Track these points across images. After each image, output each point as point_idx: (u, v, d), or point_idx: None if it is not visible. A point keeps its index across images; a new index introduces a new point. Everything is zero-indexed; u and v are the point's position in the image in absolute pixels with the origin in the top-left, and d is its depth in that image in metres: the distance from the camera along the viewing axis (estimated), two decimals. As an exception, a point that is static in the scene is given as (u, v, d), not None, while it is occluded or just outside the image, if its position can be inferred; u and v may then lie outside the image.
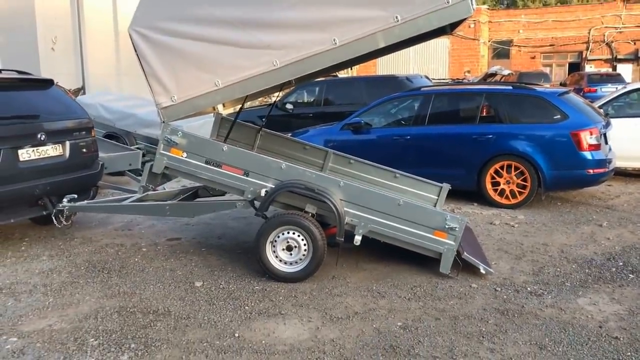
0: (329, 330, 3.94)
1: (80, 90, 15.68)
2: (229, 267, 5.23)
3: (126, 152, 8.76)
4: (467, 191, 7.60)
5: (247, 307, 4.32)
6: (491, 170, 7.30)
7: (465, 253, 4.87)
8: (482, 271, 4.87)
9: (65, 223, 5.78)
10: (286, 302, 4.42)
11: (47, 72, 13.15)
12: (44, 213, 5.97)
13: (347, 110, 11.09)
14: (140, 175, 9.64)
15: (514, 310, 4.22)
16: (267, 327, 3.99)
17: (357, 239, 4.82)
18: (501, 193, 7.31)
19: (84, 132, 6.39)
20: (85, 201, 5.98)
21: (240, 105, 5.85)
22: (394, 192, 5.77)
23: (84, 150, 6.36)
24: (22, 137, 5.68)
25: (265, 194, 4.82)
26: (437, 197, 6.16)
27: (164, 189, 7.76)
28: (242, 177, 4.94)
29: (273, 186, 4.89)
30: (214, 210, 5.34)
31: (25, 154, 5.68)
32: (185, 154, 4.98)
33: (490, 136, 7.31)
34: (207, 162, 4.97)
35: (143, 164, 8.93)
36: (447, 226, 4.75)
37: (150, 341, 3.79)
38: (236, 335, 3.88)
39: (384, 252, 5.30)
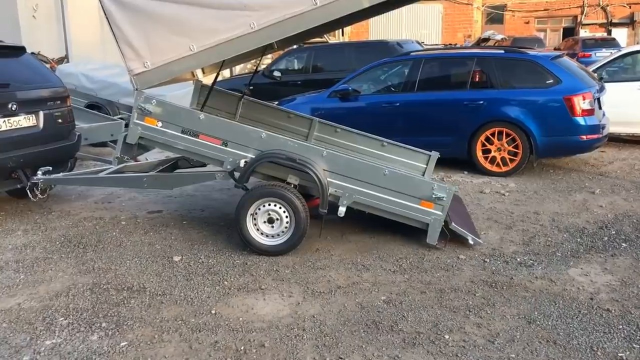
0: (310, 305, 3.78)
1: (64, 59, 15.27)
2: (210, 241, 5.05)
3: (108, 123, 8.50)
4: (458, 159, 7.40)
5: (226, 282, 4.15)
6: (482, 138, 7.10)
7: (453, 223, 4.70)
8: (471, 242, 4.72)
9: (40, 196, 5.56)
10: (267, 276, 4.26)
11: (29, 42, 12.73)
12: (19, 186, 5.76)
13: (337, 77, 10.80)
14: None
15: (503, 282, 4.07)
16: (246, 303, 3.83)
17: (341, 210, 4.64)
18: (492, 161, 7.13)
19: (58, 102, 6.12)
20: (61, 173, 5.75)
21: (217, 71, 5.59)
22: (380, 162, 5.57)
23: (59, 120, 6.11)
24: (-8, 107, 5.42)
25: (244, 165, 4.61)
26: (425, 166, 5.98)
27: (146, 159, 7.54)
28: (221, 147, 4.72)
29: (253, 156, 4.67)
30: (193, 182, 5.15)
31: (-4, 125, 5.43)
32: (160, 123, 4.75)
33: (481, 102, 7.08)
34: (183, 132, 4.74)
35: (126, 134, 8.70)
36: (434, 196, 4.57)
37: (122, 320, 3.62)
38: (213, 312, 3.71)
39: (370, 223, 5.13)
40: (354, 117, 7.49)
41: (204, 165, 5.86)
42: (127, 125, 8.90)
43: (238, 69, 16.53)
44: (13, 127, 5.59)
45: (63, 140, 6.15)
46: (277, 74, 11.79)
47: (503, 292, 3.92)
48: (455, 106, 7.23)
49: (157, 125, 4.75)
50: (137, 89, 4.67)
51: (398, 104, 7.55)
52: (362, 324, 3.51)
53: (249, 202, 4.59)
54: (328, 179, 4.61)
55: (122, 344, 3.33)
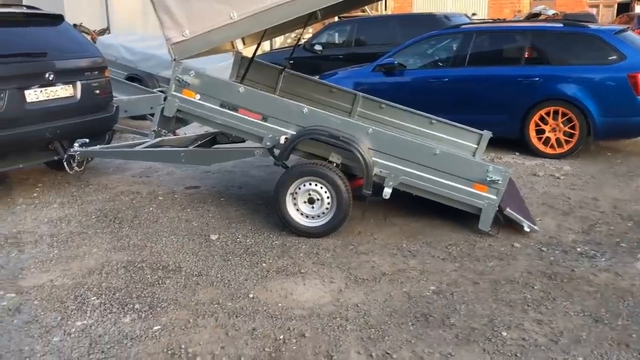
0: (353, 293, 3.54)
1: (105, 30, 15.23)
2: (248, 220, 4.84)
3: (147, 95, 8.35)
4: (509, 139, 6.99)
5: (264, 265, 3.94)
6: (536, 117, 6.68)
7: (508, 208, 4.37)
8: (526, 229, 4.38)
9: (77, 169, 5.46)
10: (307, 259, 4.03)
11: (72, 13, 12.71)
12: (55, 158, 5.65)
13: (380, 51, 10.42)
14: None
15: (563, 275, 3.74)
16: (285, 288, 3.61)
17: (387, 191, 4.36)
18: (546, 142, 6.71)
19: (96, 72, 5.97)
20: (98, 146, 5.61)
21: (258, 42, 5.32)
22: (429, 140, 5.25)
23: (97, 91, 5.96)
24: (29, 76, 5.29)
25: (285, 142, 4.36)
26: (476, 146, 5.63)
27: (185, 133, 7.39)
28: (260, 122, 4.48)
29: (294, 133, 4.42)
30: (231, 159, 4.93)
31: (33, 95, 5.31)
32: (198, 96, 4.53)
33: (537, 79, 6.64)
34: (222, 105, 4.51)
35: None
36: (488, 178, 4.24)
37: (156, 301, 3.45)
38: (250, 296, 3.51)
39: (414, 206, 4.84)
40: (399, 92, 7.15)
41: (243, 141, 5.65)
42: (166, 99, 8.85)
43: (278, 42, 16.24)
44: (50, 97, 5.46)
45: (100, 112, 6.02)
46: (318, 47, 11.44)
47: (564, 286, 3.59)
48: (508, 83, 6.81)
49: (195, 98, 4.53)
50: (174, 59, 4.46)
51: (446, 80, 7.16)
52: (411, 316, 3.25)
53: (288, 181, 4.36)
54: (373, 158, 4.32)
55: (155, 327, 3.15)
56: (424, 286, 3.61)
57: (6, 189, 5.74)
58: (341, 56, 11.16)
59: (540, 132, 6.71)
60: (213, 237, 4.46)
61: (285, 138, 4.37)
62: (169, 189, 5.82)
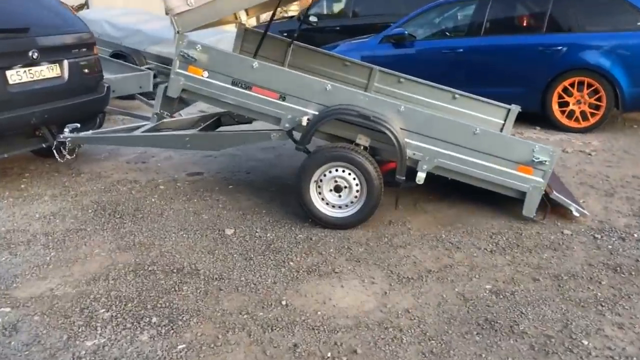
0: (400, 295, 3.11)
1: (84, 6, 14.44)
2: (264, 210, 4.38)
3: (136, 73, 7.77)
4: (529, 113, 6.55)
5: (292, 263, 3.50)
6: (559, 88, 6.26)
7: (554, 192, 3.96)
8: (575, 213, 3.98)
9: (68, 157, 4.95)
10: (339, 255, 3.59)
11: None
12: (44, 146, 5.14)
13: (381, 22, 9.90)
14: (153, 98, 8.76)
15: (629, 267, 3.36)
16: (321, 291, 3.17)
17: (420, 176, 3.92)
18: (570, 115, 6.30)
19: (84, 49, 5.40)
20: (90, 131, 5.08)
21: (272, 12, 4.79)
22: (462, 118, 4.80)
23: (86, 70, 5.40)
24: (10, 55, 4.72)
25: (307, 123, 3.88)
26: (503, 122, 5.20)
27: (180, 115, 6.86)
28: (278, 101, 3.99)
29: (316, 112, 3.94)
30: (244, 143, 4.44)
31: (16, 76, 4.75)
32: (206, 73, 4.02)
33: (559, 47, 6.21)
34: (233, 83, 4.01)
35: (155, 85, 8.00)
36: (534, 159, 3.82)
37: (175, 313, 2.99)
38: (283, 302, 3.07)
39: (444, 190, 4.42)
40: (410, 65, 6.66)
41: (250, 122, 5.18)
42: (155, 76, 8.26)
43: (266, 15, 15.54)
44: (35, 78, 4.91)
45: (91, 93, 5.47)
46: (313, 19, 10.85)
47: (634, 280, 3.21)
48: (529, 52, 6.36)
49: (202, 76, 4.02)
50: (178, 32, 3.93)
51: (461, 50, 6.70)
52: (472, 323, 2.84)
53: (312, 168, 3.89)
54: (406, 140, 3.87)
55: (180, 347, 2.70)
56: (478, 285, 3.20)
57: (-10, 181, 5.20)
58: (338, 28, 10.60)
59: (563, 104, 6.30)
60: (228, 231, 4.00)
61: (308, 119, 3.88)
62: (169, 176, 5.33)
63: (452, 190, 4.38)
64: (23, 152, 5.23)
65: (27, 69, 4.83)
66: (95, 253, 3.72)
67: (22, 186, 5.10)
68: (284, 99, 3.98)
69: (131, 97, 7.88)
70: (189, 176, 5.31)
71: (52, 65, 5.06)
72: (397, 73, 5.34)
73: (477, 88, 5.97)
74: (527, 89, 6.39)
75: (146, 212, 4.40)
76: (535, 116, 6.57)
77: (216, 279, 3.34)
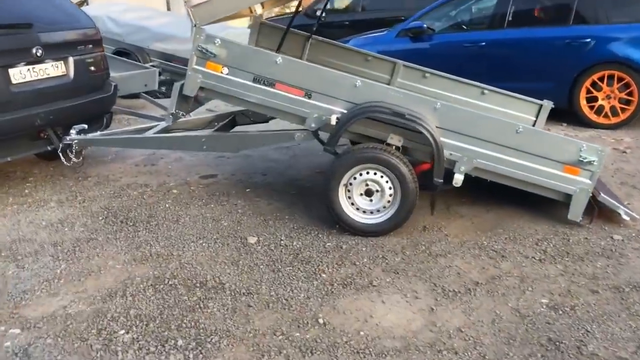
0: (449, 312, 2.83)
1: (83, 3, 14.12)
2: (286, 215, 4.10)
3: (141, 71, 7.47)
4: (555, 109, 6.26)
5: (324, 275, 3.22)
6: (587, 83, 5.98)
7: (602, 193, 3.69)
8: (624, 216, 3.71)
9: (75, 160, 4.66)
10: (374, 266, 3.31)
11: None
12: (49, 148, 4.86)
13: (391, 16, 9.61)
14: (157, 97, 8.46)
15: (694, 276, 3.08)
16: (360, 308, 2.90)
17: (458, 178, 3.64)
18: (598, 110, 6.01)
19: (90, 46, 5.11)
20: (98, 132, 4.80)
21: (297, 2, 4.50)
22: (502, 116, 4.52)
23: (92, 68, 5.11)
24: (13, 52, 4.43)
25: (336, 122, 3.60)
26: (534, 118, 4.92)
27: (190, 115, 6.58)
28: (303, 99, 3.71)
29: (344, 111, 3.66)
30: (265, 144, 4.15)
31: (19, 75, 4.46)
32: (225, 70, 3.73)
33: (587, 40, 5.92)
34: (255, 80, 3.72)
35: (160, 84, 7.72)
36: (582, 159, 3.54)
37: (203, 334, 2.71)
38: (320, 321, 2.78)
39: (477, 191, 4.13)
40: (429, 60, 6.32)
41: (266, 121, 4.89)
42: (160, 74, 7.97)
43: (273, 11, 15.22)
44: (39, 76, 4.62)
45: (97, 92, 5.18)
46: (319, 13, 10.55)
47: (702, 291, 2.93)
48: (555, 45, 6.08)
49: (221, 72, 3.74)
50: (195, 25, 3.63)
51: (483, 44, 6.41)
52: (535, 343, 2.56)
53: (341, 170, 3.61)
54: (442, 139, 3.59)
55: (211, 374, 2.42)
56: (532, 299, 2.92)
57: (-8, 186, 4.91)
58: (347, 22, 10.29)
59: (591, 99, 6.01)
60: (251, 240, 3.71)
61: (337, 118, 3.60)
62: (181, 179, 5.04)
63: (484, 192, 4.10)
64: (27, 155, 4.92)
65: (30, 67, 4.54)
66: (109, 265, 3.43)
67: (27, 191, 4.82)
68: (309, 97, 3.70)
69: (135, 95, 7.58)
70: (203, 179, 5.03)
71: (57, 62, 4.77)
72: (422, 68, 5.06)
73: (500, 83, 5.67)
74: (553, 84, 6.11)
75: (161, 219, 4.11)
76: (562, 112, 6.26)
77: (244, 293, 3.05)
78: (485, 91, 4.95)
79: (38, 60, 4.58)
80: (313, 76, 3.68)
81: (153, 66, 8.44)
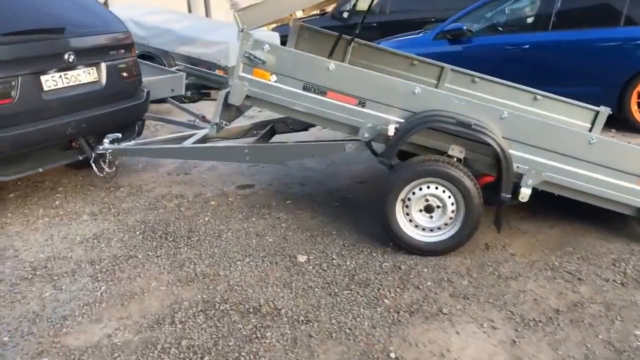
0: (533, 345, 2.57)
1: (103, 3, 13.98)
2: (334, 231, 3.85)
3: (168, 76, 7.26)
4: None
5: (387, 301, 2.96)
6: (639, 87, 5.65)
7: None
8: None
9: (108, 170, 4.46)
10: (440, 290, 3.05)
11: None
12: (80, 158, 4.65)
13: (419, 18, 9.37)
14: (182, 102, 8.26)
15: None
16: (434, 340, 2.64)
17: (525, 192, 3.37)
18: (651, 116, 5.71)
19: (122, 51, 4.90)
20: (132, 141, 4.59)
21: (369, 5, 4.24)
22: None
23: (125, 74, 4.91)
24: (45, 58, 4.23)
25: (395, 133, 3.34)
26: (590, 125, 4.63)
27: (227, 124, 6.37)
28: (356, 108, 3.47)
29: (401, 120, 3.40)
30: (315, 155, 3.90)
31: (51, 81, 4.26)
32: (274, 77, 3.50)
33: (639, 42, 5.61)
34: (305, 88, 3.48)
35: (187, 88, 7.50)
36: (661, 173, 3.26)
37: (264, 369, 2.47)
38: (392, 355, 2.54)
39: (534, 204, 3.83)
40: (468, 63, 6.01)
41: (306, 129, 4.66)
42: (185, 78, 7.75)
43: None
44: (71, 83, 4.42)
45: (130, 99, 4.98)
46: (345, 15, 10.31)
47: None
48: (603, 48, 5.79)
49: (269, 80, 3.49)
50: (242, 30, 3.40)
51: (527, 46, 6.13)
52: (640, 385, 2.29)
53: (399, 184, 3.35)
54: (509, 151, 3.32)
55: (280, 419, 2.17)
56: (625, 330, 2.65)
57: (21, 197, 4.71)
58: (374, 24, 10.04)
59: (643, 104, 5.72)
60: (301, 258, 3.47)
61: (395, 128, 3.34)
62: (217, 189, 4.81)
63: (542, 205, 3.83)
64: (59, 166, 4.71)
65: (62, 73, 4.35)
66: (152, 287, 3.20)
67: (57, 202, 4.62)
68: (363, 105, 3.45)
69: (162, 100, 7.38)
70: (240, 189, 4.80)
71: (89, 68, 4.57)
72: (471, 72, 4.80)
73: (545, 87, 5.39)
74: (601, 88, 5.82)
75: (202, 234, 3.88)
76: (610, 117, 5.96)
77: (302, 321, 2.81)
78: (538, 97, 4.68)
79: (70, 67, 4.38)
80: (367, 83, 3.44)
81: (178, 70, 8.26)
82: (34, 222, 4.22)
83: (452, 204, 3.34)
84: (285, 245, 3.67)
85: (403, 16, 9.81)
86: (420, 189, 3.36)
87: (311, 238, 3.77)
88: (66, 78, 4.37)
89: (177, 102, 7.53)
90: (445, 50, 6.41)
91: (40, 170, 4.41)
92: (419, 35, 6.87)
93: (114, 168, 4.54)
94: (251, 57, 3.43)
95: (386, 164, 3.39)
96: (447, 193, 3.33)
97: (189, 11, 14.01)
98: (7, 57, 3.95)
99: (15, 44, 4.02)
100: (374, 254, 3.49)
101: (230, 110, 3.84)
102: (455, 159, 3.40)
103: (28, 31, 4.11)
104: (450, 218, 3.37)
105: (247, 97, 3.57)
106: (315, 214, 4.19)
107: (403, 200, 3.39)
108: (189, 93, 8.40)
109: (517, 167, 3.35)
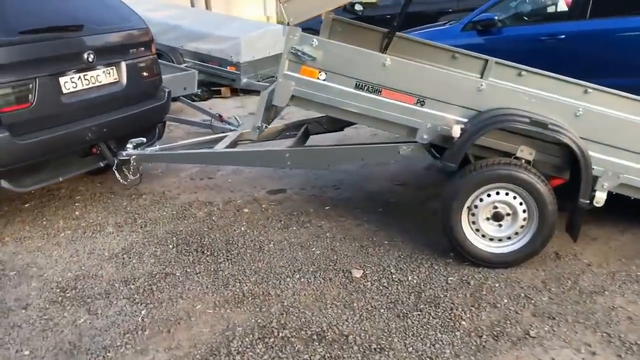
0: (643, 374, 2.28)
1: None
2: (385, 240, 3.56)
3: (180, 73, 6.93)
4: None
5: (464, 323, 2.67)
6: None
7: None
8: None
9: (132, 178, 4.14)
10: (520, 308, 2.76)
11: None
12: (102, 165, 4.34)
13: (436, 9, 9.05)
14: (193, 100, 7.93)
15: None
16: (528, 369, 2.34)
17: (600, 197, 3.07)
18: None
19: (142, 49, 4.60)
20: (157, 146, 4.27)
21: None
22: None
23: (145, 73, 4.60)
24: (64, 58, 3.91)
25: (461, 134, 3.03)
26: (645, 120, 4.32)
27: (240, 123, 6.08)
28: (415, 107, 3.15)
29: (463, 119, 3.10)
30: (365, 159, 3.58)
31: (70, 83, 3.94)
32: (323, 75, 3.18)
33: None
34: (358, 87, 3.17)
35: (197, 86, 7.19)
36: None
37: (344, 409, 2.16)
38: (487, 390, 2.23)
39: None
40: (500, 55, 5.74)
41: (342, 128, 4.35)
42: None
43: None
44: (90, 84, 4.10)
45: (151, 100, 4.68)
46: (358, 7, 10.00)
47: None
48: (647, 36, 5.45)
49: (318, 78, 3.18)
50: (288, 24, 3.08)
51: (563, 37, 5.79)
52: None
53: (466, 191, 3.05)
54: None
55: None
56: None
57: (37, 207, 4.39)
58: (388, 16, 9.69)
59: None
60: (356, 273, 3.17)
61: (462, 129, 3.03)
62: (247, 195, 4.51)
63: (604, 206, 3.52)
64: (79, 174, 4.39)
65: (82, 74, 4.03)
66: (198, 310, 2.90)
67: (77, 213, 4.30)
68: (422, 104, 3.14)
69: (174, 99, 7.05)
70: (271, 195, 4.50)
71: (109, 68, 4.25)
72: (517, 65, 4.48)
73: (585, 79, 5.11)
74: (644, 79, 5.49)
75: (241, 247, 3.58)
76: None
77: (375, 349, 2.51)
78: (589, 89, 4.36)
79: (89, 67, 4.07)
80: (427, 80, 3.13)
81: (187, 67, 7.94)
82: (55, 236, 3.90)
83: (524, 211, 3.04)
84: (335, 258, 3.37)
85: (418, 8, 9.46)
86: (489, 196, 3.06)
87: (362, 249, 3.46)
88: (85, 79, 4.06)
89: (190, 101, 7.22)
90: (475, 42, 6.08)
91: (60, 179, 4.10)
92: (445, 27, 6.55)
93: (138, 175, 4.22)
94: (298, 53, 3.11)
95: (452, 169, 3.07)
96: (519, 199, 3.03)
97: (192, 5, 13.64)
98: (23, 58, 3.64)
99: (32, 44, 3.71)
100: (436, 267, 3.19)
101: (271, 112, 3.52)
102: (522, 161, 3.09)
103: (44, 29, 3.78)
104: (522, 226, 3.07)
105: (293, 97, 3.25)
106: (359, 221, 3.89)
107: (469, 208, 3.09)
108: (199, 91, 8.08)
109: (592, 169, 3.05)
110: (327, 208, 4.17)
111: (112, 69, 4.28)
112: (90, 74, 4.09)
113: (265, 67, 8.77)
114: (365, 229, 3.76)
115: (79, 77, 4.01)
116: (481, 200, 3.07)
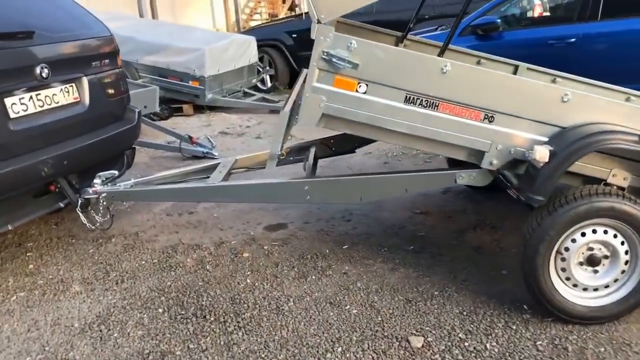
0: None
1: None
2: (433, 290, 2.87)
3: (139, 90, 6.10)
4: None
5: (588, 412, 1.98)
6: None
7: None
8: None
9: (100, 220, 3.31)
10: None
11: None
12: (62, 205, 3.47)
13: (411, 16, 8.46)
14: (154, 120, 7.05)
15: None
16: None
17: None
18: None
19: (107, 61, 3.76)
20: (132, 180, 3.42)
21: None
22: None
23: (111, 91, 3.77)
24: (10, 73, 3.03)
25: (551, 159, 2.36)
26: None
27: (214, 144, 5.31)
28: (481, 124, 2.48)
29: (542, 138, 2.45)
30: (409, 190, 2.84)
31: (19, 105, 3.08)
32: (362, 87, 2.46)
33: None
34: (408, 100, 2.46)
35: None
36: None
37: None
38: None
39: None
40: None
41: (353, 150, 3.66)
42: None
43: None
44: (45, 107, 3.24)
45: (119, 123, 3.85)
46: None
47: None
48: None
49: (356, 91, 2.46)
50: (318, 22, 2.35)
51: (573, 40, 5.33)
52: None
53: (557, 231, 2.38)
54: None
55: None
56: None
57: (-19, 264, 3.47)
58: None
59: None
60: (416, 342, 2.45)
61: (551, 151, 2.36)
62: (242, 233, 3.74)
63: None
64: (33, 219, 3.50)
65: (34, 93, 3.17)
66: (219, 411, 2.10)
67: (31, 266, 3.43)
68: (491, 121, 2.47)
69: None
70: (270, 231, 3.74)
71: (68, 86, 3.41)
72: (549, 70, 3.91)
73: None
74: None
75: (253, 307, 2.80)
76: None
77: None
78: (632, 96, 3.83)
79: (43, 84, 3.21)
80: (499, 89, 2.45)
81: (145, 83, 7.10)
82: (5, 301, 3.02)
83: (626, 252, 2.41)
84: (379, 319, 2.64)
85: (393, 16, 8.89)
86: (583, 235, 2.40)
87: (409, 305, 2.75)
88: (39, 100, 3.20)
89: (150, 121, 6.38)
90: (474, 48, 5.51)
91: (10, 227, 3.19)
92: (437, 33, 5.98)
93: (108, 216, 3.38)
94: (332, 59, 2.38)
95: (539, 203, 2.39)
96: (620, 237, 2.39)
97: (140, 15, 12.66)
98: (-45, 74, 2.75)
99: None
100: (513, 327, 2.52)
101: (287, 134, 2.77)
102: (615, 188, 2.46)
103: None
104: (623, 271, 2.44)
105: (323, 115, 2.51)
106: (391, 264, 3.18)
107: (559, 252, 2.42)
108: (159, 109, 7.21)
109: (703, 196, 2.45)
110: (345, 247, 3.44)
111: (72, 86, 3.43)
112: (44, 93, 3.23)
113: (232, 81, 8.01)
114: (403, 275, 3.05)
115: (30, 98, 3.15)
116: (574, 241, 2.41)
